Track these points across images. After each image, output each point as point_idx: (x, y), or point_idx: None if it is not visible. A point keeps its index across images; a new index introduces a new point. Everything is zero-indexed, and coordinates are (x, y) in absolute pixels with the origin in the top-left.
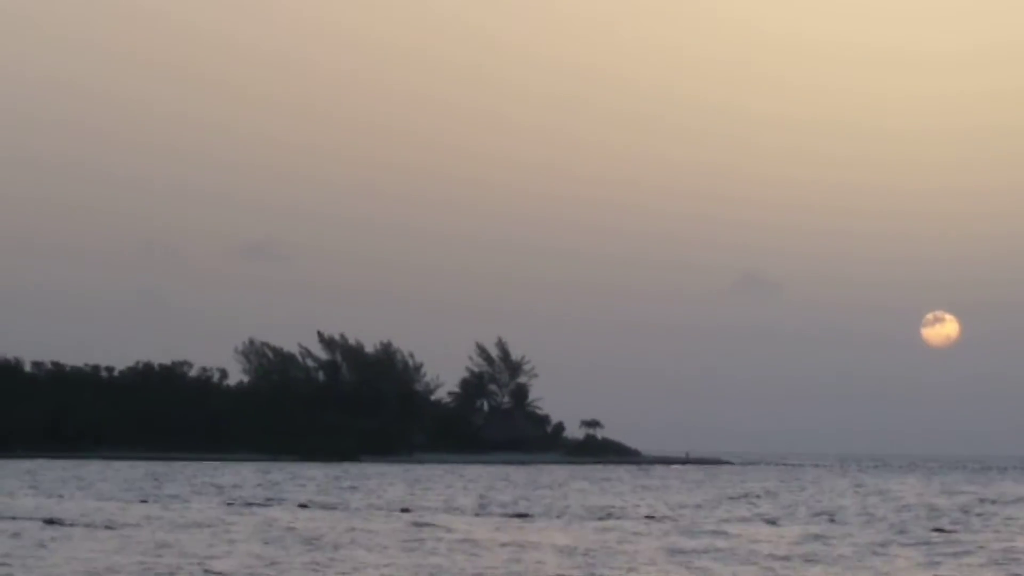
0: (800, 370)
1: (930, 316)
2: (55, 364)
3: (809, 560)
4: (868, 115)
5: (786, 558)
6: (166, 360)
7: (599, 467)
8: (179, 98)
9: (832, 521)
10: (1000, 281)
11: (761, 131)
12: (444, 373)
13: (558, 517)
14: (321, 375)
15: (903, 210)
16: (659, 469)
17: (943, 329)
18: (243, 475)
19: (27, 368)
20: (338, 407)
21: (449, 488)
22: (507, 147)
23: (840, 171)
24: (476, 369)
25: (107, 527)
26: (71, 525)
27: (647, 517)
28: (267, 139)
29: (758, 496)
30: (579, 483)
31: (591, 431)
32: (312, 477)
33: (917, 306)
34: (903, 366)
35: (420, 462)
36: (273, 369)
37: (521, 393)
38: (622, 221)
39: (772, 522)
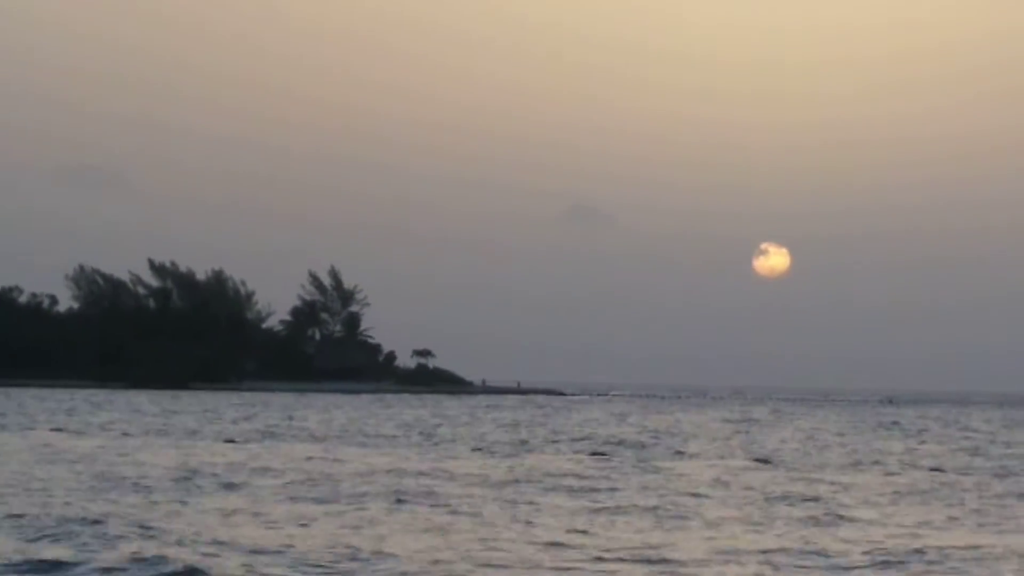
0: (630, 299)
1: (761, 248)
2: None
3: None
4: (709, 45)
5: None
6: None
7: (431, 396)
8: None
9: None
10: (830, 214)
11: (608, 58)
12: (277, 301)
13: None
14: (152, 302)
15: (735, 142)
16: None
17: (771, 261)
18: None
19: None
20: (168, 334)
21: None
22: (342, 63)
23: (680, 102)
24: (308, 297)
25: None
26: None
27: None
28: (103, 42)
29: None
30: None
31: (423, 360)
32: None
33: (749, 237)
34: (732, 296)
35: (250, 390)
36: (103, 296)
37: (353, 322)
38: (462, 144)
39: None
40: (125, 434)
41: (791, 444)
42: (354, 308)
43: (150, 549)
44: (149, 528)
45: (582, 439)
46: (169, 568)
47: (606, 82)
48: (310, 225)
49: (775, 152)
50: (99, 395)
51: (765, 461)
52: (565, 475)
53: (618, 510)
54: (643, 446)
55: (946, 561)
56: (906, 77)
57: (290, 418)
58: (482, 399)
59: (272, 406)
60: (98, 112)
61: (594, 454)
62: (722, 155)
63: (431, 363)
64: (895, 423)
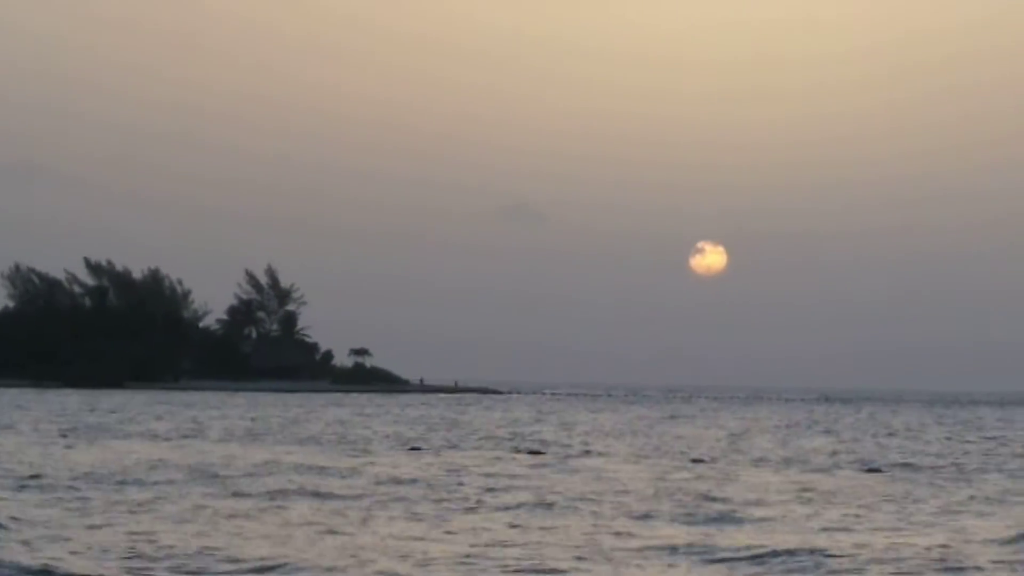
0: (566, 297)
1: (697, 246)
2: None
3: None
4: (649, 44)
5: None
6: None
7: (365, 395)
8: None
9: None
10: (767, 212)
11: (544, 56)
12: (213, 300)
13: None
14: (88, 301)
15: (671, 140)
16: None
17: (707, 259)
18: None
19: None
20: (104, 333)
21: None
22: (280, 60)
23: (616, 100)
24: (245, 296)
25: None
26: None
27: None
28: (36, 37)
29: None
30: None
31: (360, 359)
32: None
33: (686, 236)
34: (669, 295)
35: (187, 389)
36: (39, 294)
37: (290, 321)
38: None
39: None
40: (63, 435)
41: (710, 442)
42: (291, 307)
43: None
44: (24, 526)
45: (491, 437)
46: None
47: (541, 80)
48: (247, 223)
49: (711, 150)
50: (29, 394)
51: (681, 457)
52: (484, 474)
53: (507, 507)
54: (563, 444)
55: (836, 559)
56: (842, 76)
57: (221, 417)
58: (415, 397)
59: (202, 405)
60: (33, 108)
61: (531, 452)
62: (658, 153)
63: (368, 362)
64: (814, 421)
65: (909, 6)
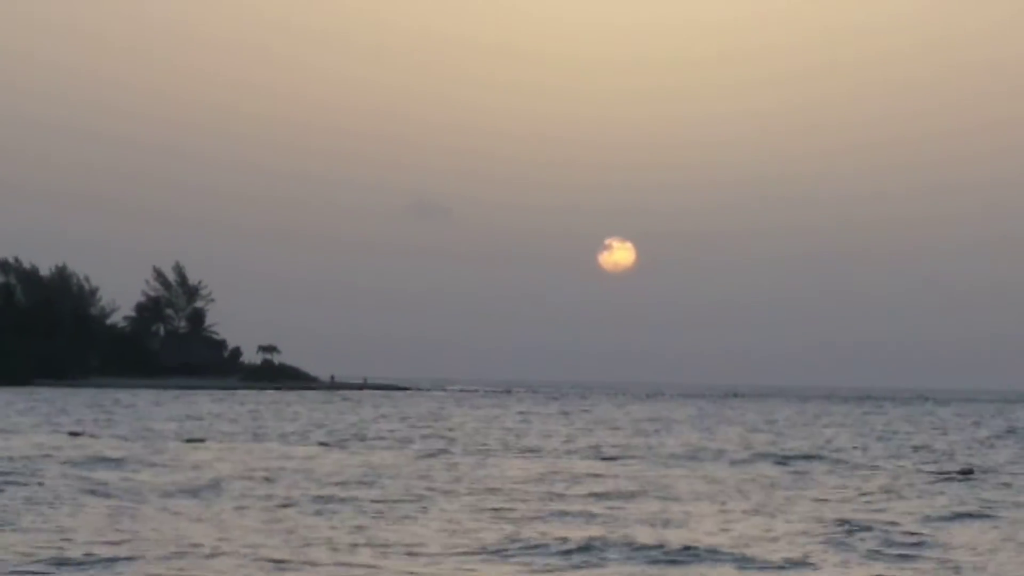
0: (475, 294)
1: (605, 243)
2: None
3: None
4: (556, 42)
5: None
6: None
7: (277, 393)
8: None
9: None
10: (675, 209)
11: (453, 54)
12: (121, 297)
13: None
14: None
15: (578, 138)
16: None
17: (615, 256)
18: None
19: None
20: (12, 330)
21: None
22: (190, 57)
23: (523, 98)
24: (153, 293)
25: None
26: None
27: None
28: None
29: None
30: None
31: (268, 356)
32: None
33: (594, 232)
34: (577, 291)
35: (95, 386)
36: None
37: (198, 317)
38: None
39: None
40: None
41: (588, 438)
42: (199, 304)
43: None
44: None
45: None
46: None
47: (451, 79)
48: (155, 220)
49: (618, 148)
50: None
51: (551, 452)
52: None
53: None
54: (441, 438)
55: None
56: (751, 74)
57: (107, 414)
58: (321, 395)
59: (101, 401)
60: None
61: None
62: (566, 151)
63: (277, 359)
64: (706, 416)
65: (812, 6)
